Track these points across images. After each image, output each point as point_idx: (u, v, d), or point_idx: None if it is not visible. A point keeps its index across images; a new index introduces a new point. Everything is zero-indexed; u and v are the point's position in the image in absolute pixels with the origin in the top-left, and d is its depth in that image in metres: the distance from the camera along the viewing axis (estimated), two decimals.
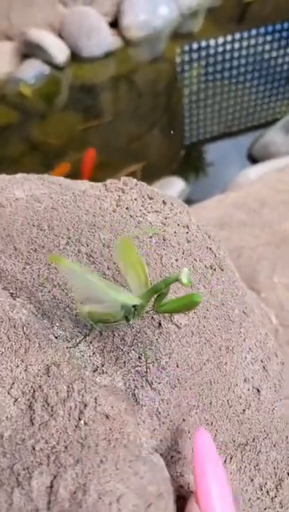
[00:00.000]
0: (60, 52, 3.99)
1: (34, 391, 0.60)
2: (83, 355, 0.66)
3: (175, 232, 0.85)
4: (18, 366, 0.63)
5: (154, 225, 0.86)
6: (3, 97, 4.03)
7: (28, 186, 0.99)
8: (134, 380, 0.64)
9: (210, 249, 0.87)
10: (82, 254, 0.83)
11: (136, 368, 0.65)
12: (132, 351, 0.67)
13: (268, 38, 4.38)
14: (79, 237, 0.85)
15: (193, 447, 0.58)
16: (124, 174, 3.25)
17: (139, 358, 0.66)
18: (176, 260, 0.80)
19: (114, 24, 4.24)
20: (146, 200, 0.94)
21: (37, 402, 0.58)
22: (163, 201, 0.95)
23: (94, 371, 0.64)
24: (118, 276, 0.78)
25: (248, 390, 0.80)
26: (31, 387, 0.60)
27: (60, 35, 4.08)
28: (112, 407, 0.58)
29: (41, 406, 0.58)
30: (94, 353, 0.67)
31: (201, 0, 4.50)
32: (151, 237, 0.83)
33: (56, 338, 0.69)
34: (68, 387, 0.59)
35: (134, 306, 0.62)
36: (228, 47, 4.32)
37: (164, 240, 0.82)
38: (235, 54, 4.28)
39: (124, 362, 0.66)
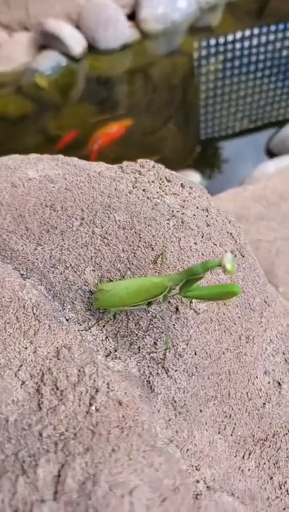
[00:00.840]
0: (77, 43, 3.96)
1: (43, 374, 0.56)
2: (96, 339, 0.62)
3: (194, 215, 0.80)
4: (26, 348, 0.60)
5: (172, 207, 0.81)
6: (19, 87, 4.02)
7: (41, 166, 0.95)
8: (149, 366, 0.60)
9: (230, 234, 0.82)
10: (96, 235, 0.79)
11: (151, 355, 0.61)
12: (148, 337, 0.63)
13: (288, 33, 4.29)
14: (93, 219, 0.81)
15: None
16: None
17: (155, 343, 0.62)
18: (195, 244, 0.75)
19: (132, 16, 4.19)
20: (163, 182, 0.89)
21: (46, 386, 0.55)
22: (181, 184, 0.90)
23: (107, 356, 0.61)
24: (134, 258, 0.74)
25: (269, 383, 0.75)
26: (40, 370, 0.57)
27: (78, 27, 4.05)
28: (125, 393, 0.54)
29: (50, 390, 0.54)
30: (107, 338, 0.63)
31: None
32: (169, 220, 0.79)
33: (67, 320, 0.66)
34: (79, 370, 0.55)
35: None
36: (247, 42, 4.23)
37: (182, 222, 0.78)
38: (254, 49, 4.20)
39: (139, 348, 0.62)
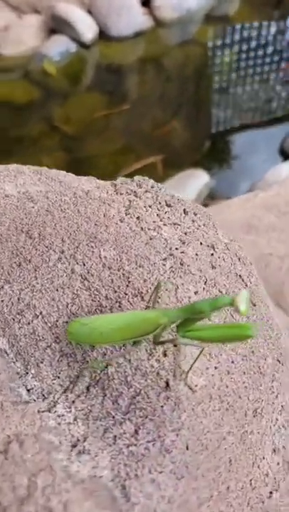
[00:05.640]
0: (88, 29, 3.77)
1: None
2: (60, 424, 0.49)
3: (197, 255, 0.66)
4: None
5: (170, 243, 0.67)
6: (27, 73, 3.85)
7: (21, 181, 0.82)
8: (125, 465, 0.47)
9: (240, 277, 0.68)
10: (76, 275, 0.65)
11: (130, 448, 0.47)
12: (127, 422, 0.49)
13: None
14: (74, 253, 0.68)
15: None
16: (144, 164, 3.05)
17: (136, 432, 0.49)
18: (196, 293, 0.62)
19: (147, 3, 3.98)
20: (163, 208, 0.75)
21: None
22: (184, 210, 0.76)
23: (73, 447, 0.47)
24: (118, 309, 0.60)
25: (278, 464, 0.62)
26: None
27: (90, 12, 3.86)
28: None
29: None
30: (75, 420, 0.50)
31: None
32: (165, 260, 0.65)
33: (28, 391, 0.53)
34: (30, 480, 0.42)
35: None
36: (264, 32, 4.02)
37: (181, 264, 0.64)
38: (271, 40, 3.98)
39: (115, 437, 0.48)
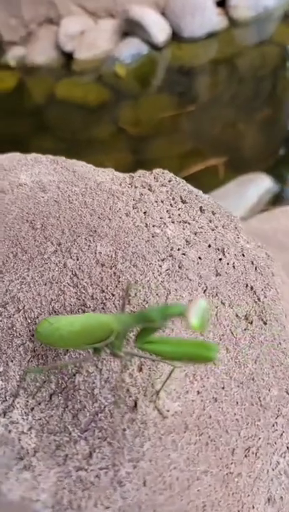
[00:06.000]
0: (160, 31, 3.76)
1: None
2: (9, 432, 0.44)
3: (199, 258, 0.58)
4: None
5: (172, 243, 0.60)
6: (100, 76, 3.94)
7: (37, 170, 0.79)
8: (70, 491, 0.40)
9: (251, 288, 0.59)
10: (67, 270, 0.60)
11: (79, 473, 0.41)
12: (83, 442, 0.43)
13: None
14: (71, 246, 0.63)
15: None
16: (206, 166, 2.95)
17: (90, 455, 0.42)
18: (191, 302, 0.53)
19: (222, 3, 3.88)
20: (177, 204, 0.68)
21: None
22: (200, 208, 0.68)
23: (19, 459, 0.42)
24: (102, 311, 0.54)
25: None
26: None
27: (164, 14, 3.85)
28: None
29: None
30: (30, 430, 0.45)
31: None
32: (162, 261, 0.57)
33: None
34: None
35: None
36: None
37: (179, 267, 0.56)
38: None
39: (66, 456, 0.42)
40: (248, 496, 0.50)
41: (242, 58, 4.09)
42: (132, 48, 4.03)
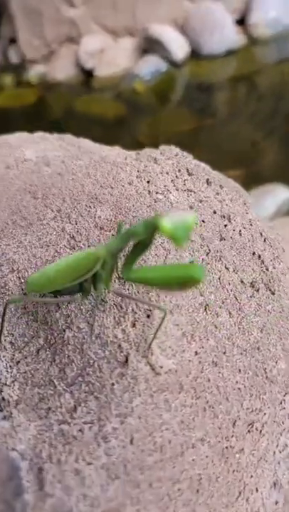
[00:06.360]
0: (179, 48, 3.84)
1: None
2: None
3: (203, 222, 0.55)
4: None
5: (174, 207, 0.57)
6: (119, 92, 4.02)
7: (43, 146, 0.78)
8: (51, 445, 0.37)
9: (259, 257, 0.55)
10: (64, 233, 0.58)
11: (62, 426, 0.37)
12: (67, 395, 0.40)
13: None
14: (70, 212, 0.61)
15: None
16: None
17: (75, 409, 0.39)
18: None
19: (241, 21, 3.94)
20: (183, 175, 0.65)
21: None
22: (207, 180, 0.65)
23: None
24: None
25: (276, 503, 0.46)
26: None
27: (183, 31, 3.93)
28: None
29: None
30: (13, 382, 0.41)
31: None
32: None
33: None
34: None
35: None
36: None
37: None
38: None
39: (49, 409, 0.39)
40: (251, 476, 0.45)
41: (261, 76, 4.11)
42: (151, 65, 4.10)
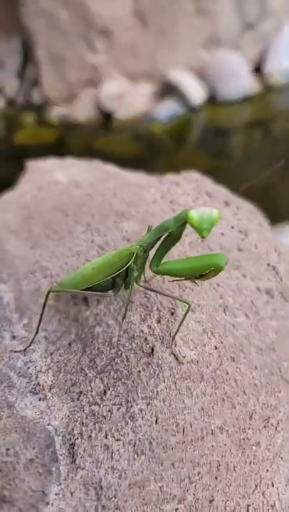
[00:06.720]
0: (196, 94, 4.04)
1: None
2: (28, 368, 0.45)
3: (222, 234, 0.60)
4: None
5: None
6: (137, 134, 4.21)
7: (72, 171, 0.86)
8: (82, 423, 0.40)
9: (273, 268, 0.59)
10: (94, 244, 0.64)
11: (92, 407, 0.41)
12: (98, 380, 0.44)
13: None
14: (99, 226, 0.67)
15: None
16: None
17: (104, 393, 0.43)
18: None
19: (257, 70, 4.17)
20: (202, 196, 0.71)
21: None
22: (225, 202, 0.71)
23: (34, 394, 0.43)
24: None
25: None
26: None
27: (200, 78, 4.16)
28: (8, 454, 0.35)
29: None
30: (48, 370, 0.46)
31: None
32: (186, 235, 0.60)
33: (14, 338, 0.50)
34: None
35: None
36: None
37: (201, 240, 0.58)
38: None
39: (81, 393, 0.43)
40: (267, 471, 0.47)
41: (276, 122, 4.26)
42: (169, 109, 4.30)
